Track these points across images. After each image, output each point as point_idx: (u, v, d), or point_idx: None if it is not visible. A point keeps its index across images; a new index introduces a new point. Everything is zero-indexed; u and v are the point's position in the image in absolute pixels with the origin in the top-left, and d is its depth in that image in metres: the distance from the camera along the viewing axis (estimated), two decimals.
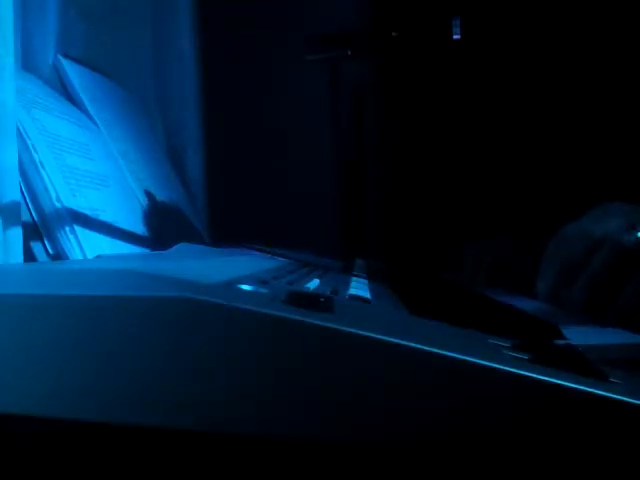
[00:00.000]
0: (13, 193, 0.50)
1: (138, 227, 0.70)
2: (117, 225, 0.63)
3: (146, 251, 0.67)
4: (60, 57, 0.74)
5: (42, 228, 0.53)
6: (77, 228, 0.54)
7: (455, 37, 0.93)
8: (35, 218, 0.53)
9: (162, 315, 0.22)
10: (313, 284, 0.41)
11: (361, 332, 0.22)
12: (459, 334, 0.28)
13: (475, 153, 1.04)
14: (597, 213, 0.57)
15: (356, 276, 0.55)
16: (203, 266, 0.42)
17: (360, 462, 0.22)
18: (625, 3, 0.86)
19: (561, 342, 0.35)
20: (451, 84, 1.06)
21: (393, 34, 0.97)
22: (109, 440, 0.23)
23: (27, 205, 0.53)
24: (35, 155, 0.54)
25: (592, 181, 0.84)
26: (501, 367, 0.21)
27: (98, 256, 0.54)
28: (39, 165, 0.54)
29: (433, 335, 0.27)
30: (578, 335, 0.38)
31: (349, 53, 0.98)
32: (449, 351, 0.22)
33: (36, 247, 0.53)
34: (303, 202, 1.13)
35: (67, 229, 0.53)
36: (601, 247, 0.52)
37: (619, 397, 0.21)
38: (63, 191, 0.55)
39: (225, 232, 0.99)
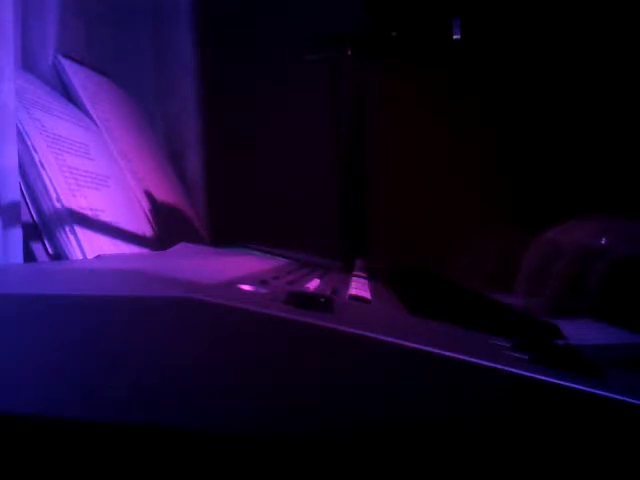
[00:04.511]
0: (13, 193, 0.50)
1: (138, 227, 0.70)
2: (117, 225, 0.63)
3: (146, 251, 0.67)
4: (60, 57, 0.74)
5: (42, 228, 0.53)
6: (77, 228, 0.54)
7: (455, 37, 0.93)
8: (35, 218, 0.53)
9: (162, 315, 0.22)
10: (313, 284, 0.41)
11: (361, 332, 0.22)
12: (459, 334, 0.28)
13: (475, 152, 1.04)
14: (570, 223, 0.62)
15: (356, 276, 0.55)
16: (203, 266, 0.42)
17: (360, 462, 0.22)
18: (625, 3, 0.86)
19: (561, 342, 0.35)
20: (450, 83, 1.06)
21: (393, 34, 0.97)
22: (109, 440, 0.23)
23: (27, 205, 0.53)
24: (35, 155, 0.54)
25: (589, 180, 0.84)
26: (501, 367, 0.21)
27: (98, 256, 0.54)
28: (39, 165, 0.54)
29: (433, 335, 0.27)
30: (578, 335, 0.38)
31: (349, 53, 0.98)
32: (449, 351, 0.22)
33: (36, 247, 0.53)
34: (303, 202, 1.13)
35: (67, 229, 0.53)
36: (567, 252, 0.57)
37: (619, 397, 0.21)
38: (63, 191, 0.55)
39: (225, 232, 0.99)
